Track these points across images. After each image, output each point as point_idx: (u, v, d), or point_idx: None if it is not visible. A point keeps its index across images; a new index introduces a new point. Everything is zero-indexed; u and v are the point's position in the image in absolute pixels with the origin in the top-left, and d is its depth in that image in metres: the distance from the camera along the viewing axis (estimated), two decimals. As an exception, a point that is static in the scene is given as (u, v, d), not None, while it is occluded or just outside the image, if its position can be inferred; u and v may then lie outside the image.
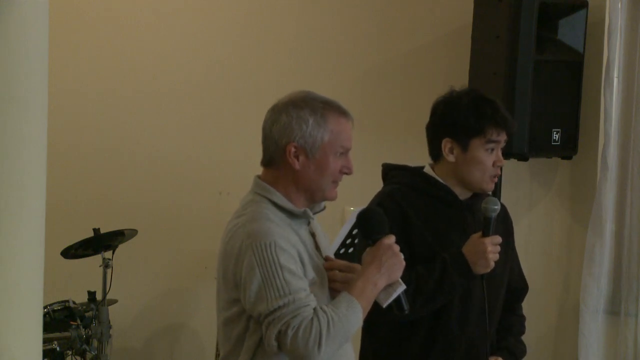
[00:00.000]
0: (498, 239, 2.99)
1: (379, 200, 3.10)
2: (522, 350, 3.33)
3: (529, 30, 4.23)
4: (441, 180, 3.10)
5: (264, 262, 2.49)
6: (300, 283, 2.52)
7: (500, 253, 3.02)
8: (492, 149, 3.05)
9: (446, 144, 3.07)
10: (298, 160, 2.60)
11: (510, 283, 3.29)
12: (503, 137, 3.06)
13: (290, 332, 2.46)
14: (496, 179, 3.08)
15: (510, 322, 3.33)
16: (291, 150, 2.59)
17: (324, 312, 2.49)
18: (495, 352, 3.25)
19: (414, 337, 3.06)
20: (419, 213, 3.03)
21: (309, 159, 2.61)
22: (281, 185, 2.63)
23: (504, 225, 3.22)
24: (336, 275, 2.71)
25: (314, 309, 2.50)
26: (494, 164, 3.05)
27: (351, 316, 2.53)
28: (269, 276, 2.48)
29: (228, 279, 2.58)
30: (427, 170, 3.15)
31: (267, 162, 2.65)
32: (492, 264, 2.98)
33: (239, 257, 2.53)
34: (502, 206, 3.26)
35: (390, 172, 3.22)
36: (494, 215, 2.99)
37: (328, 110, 2.63)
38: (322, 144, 2.61)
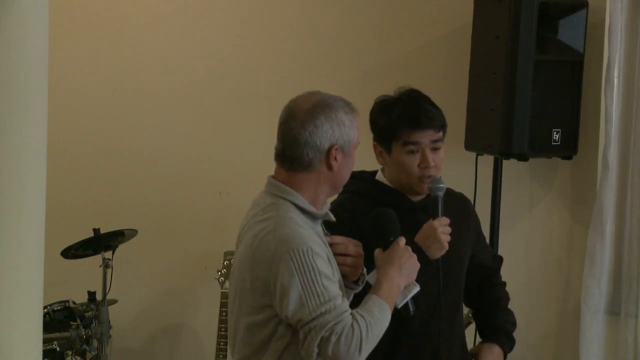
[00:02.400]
0: (446, 220, 2.95)
1: (331, 209, 3.08)
2: (513, 322, 3.31)
3: (529, 30, 4.23)
4: (390, 185, 3.06)
5: (303, 269, 2.50)
6: (335, 288, 2.56)
7: (452, 238, 2.98)
8: (414, 151, 2.97)
9: (375, 148, 3.07)
10: (337, 160, 2.64)
11: (481, 265, 3.25)
12: (427, 137, 2.97)
13: (333, 338, 2.48)
14: (427, 179, 2.99)
15: (496, 295, 3.30)
16: (333, 152, 2.63)
17: (362, 316, 2.53)
18: (488, 333, 3.25)
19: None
20: (365, 221, 2.88)
21: (345, 157, 2.66)
22: (311, 187, 2.65)
23: (457, 208, 3.15)
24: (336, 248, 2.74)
25: (352, 314, 2.53)
26: (419, 166, 2.98)
27: (383, 319, 2.59)
28: (309, 283, 2.50)
29: (257, 285, 2.57)
30: (379, 175, 3.11)
31: (303, 167, 2.63)
32: (446, 245, 2.93)
33: (273, 263, 2.53)
34: (463, 197, 3.24)
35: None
36: (440, 194, 2.96)
37: (351, 109, 2.69)
38: (354, 141, 2.68)
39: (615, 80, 4.42)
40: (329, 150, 2.62)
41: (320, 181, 2.65)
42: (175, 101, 5.16)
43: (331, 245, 2.72)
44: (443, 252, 2.94)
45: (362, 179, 3.12)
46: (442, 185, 2.97)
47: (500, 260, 3.43)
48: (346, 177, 2.70)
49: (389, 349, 2.99)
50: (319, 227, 2.71)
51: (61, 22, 5.04)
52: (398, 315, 2.85)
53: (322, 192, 2.67)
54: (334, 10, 4.98)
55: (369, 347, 2.55)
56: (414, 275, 2.71)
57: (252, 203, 2.73)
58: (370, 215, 2.82)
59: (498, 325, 3.27)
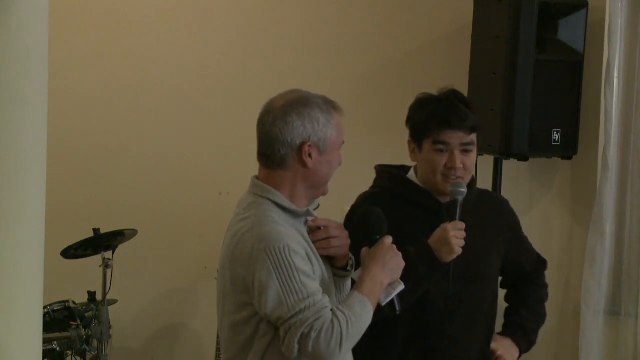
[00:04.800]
0: (461, 224, 2.91)
1: (354, 203, 3.07)
2: (535, 322, 3.25)
3: (529, 30, 4.23)
4: (420, 184, 3.04)
5: (281, 267, 2.50)
6: (315, 284, 2.55)
7: (473, 241, 2.95)
8: (443, 150, 2.96)
9: (409, 146, 3.06)
10: (311, 158, 2.63)
11: (517, 266, 3.23)
12: (457, 138, 2.95)
13: (313, 334, 2.48)
14: (452, 180, 2.96)
15: (527, 292, 3.27)
16: (306, 149, 2.61)
17: (342, 312, 2.53)
18: (505, 327, 3.22)
19: (395, 338, 2.99)
20: (393, 218, 2.83)
21: (321, 155, 2.64)
22: (288, 185, 2.64)
23: (488, 211, 3.12)
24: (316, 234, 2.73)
25: (332, 310, 2.53)
26: (446, 166, 2.96)
27: (365, 315, 2.58)
28: (286, 280, 2.50)
29: (237, 283, 2.58)
30: (411, 173, 3.10)
31: (277, 164, 2.64)
32: (458, 249, 2.89)
33: (250, 261, 2.53)
34: (500, 199, 3.21)
35: (378, 174, 3.19)
36: (459, 198, 2.93)
37: (331, 107, 2.67)
38: (331, 139, 2.65)
39: (615, 80, 4.43)
40: (300, 147, 2.61)
41: (297, 179, 2.64)
42: (176, 101, 5.17)
43: (314, 230, 2.71)
44: (454, 256, 2.90)
45: (393, 176, 3.11)
46: (462, 190, 2.94)
47: (542, 263, 3.34)
48: (325, 175, 2.67)
49: (402, 349, 2.98)
50: (302, 225, 2.70)
51: (61, 22, 5.04)
52: (413, 315, 2.86)
53: (300, 190, 2.65)
54: (334, 10, 4.98)
55: (350, 344, 2.54)
56: (399, 273, 2.69)
57: (238, 203, 2.74)
58: (358, 215, 2.81)
59: (516, 321, 3.23)
